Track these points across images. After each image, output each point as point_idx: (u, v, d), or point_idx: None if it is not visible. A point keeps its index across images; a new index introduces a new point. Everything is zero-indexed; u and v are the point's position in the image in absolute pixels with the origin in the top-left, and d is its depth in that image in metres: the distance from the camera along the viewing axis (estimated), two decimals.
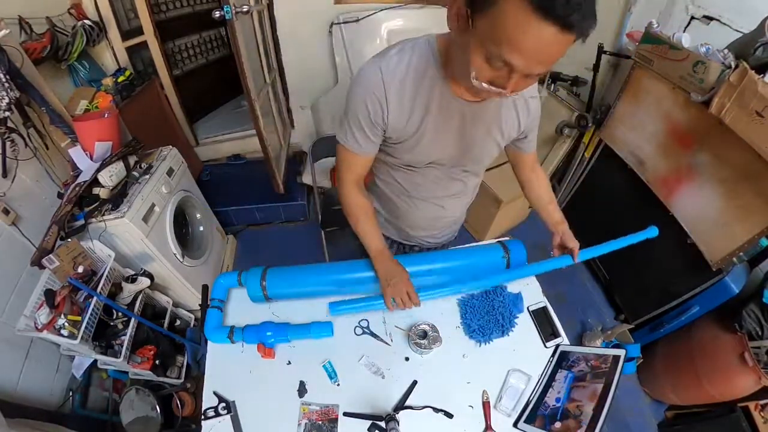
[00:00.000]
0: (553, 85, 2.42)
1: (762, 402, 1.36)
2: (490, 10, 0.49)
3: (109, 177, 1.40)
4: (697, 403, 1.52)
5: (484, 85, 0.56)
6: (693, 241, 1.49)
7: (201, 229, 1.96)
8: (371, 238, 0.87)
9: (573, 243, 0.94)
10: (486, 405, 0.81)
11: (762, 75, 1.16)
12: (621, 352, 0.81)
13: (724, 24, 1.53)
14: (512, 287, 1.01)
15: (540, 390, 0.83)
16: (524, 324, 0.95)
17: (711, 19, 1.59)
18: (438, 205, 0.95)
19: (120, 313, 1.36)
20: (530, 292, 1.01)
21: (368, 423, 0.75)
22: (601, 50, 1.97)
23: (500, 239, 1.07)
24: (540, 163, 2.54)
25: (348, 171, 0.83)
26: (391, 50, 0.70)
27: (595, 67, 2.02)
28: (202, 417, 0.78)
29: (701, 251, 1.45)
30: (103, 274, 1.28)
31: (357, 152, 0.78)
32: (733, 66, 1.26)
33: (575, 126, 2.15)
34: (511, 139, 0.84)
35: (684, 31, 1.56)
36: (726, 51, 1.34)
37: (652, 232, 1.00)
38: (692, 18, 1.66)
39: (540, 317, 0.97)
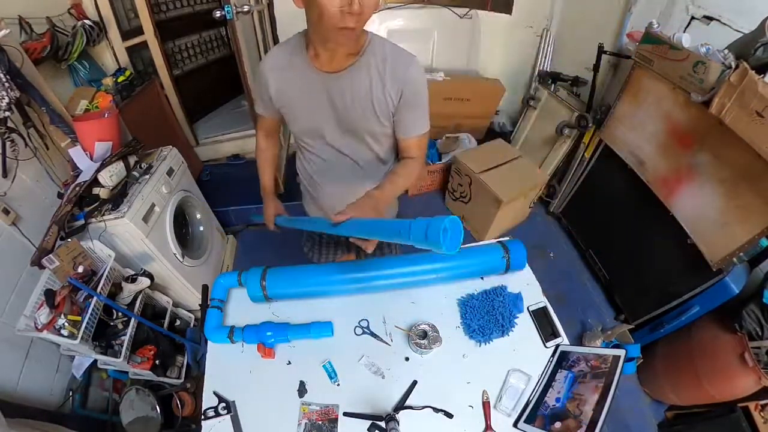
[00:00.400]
0: (553, 85, 2.42)
1: (762, 402, 1.36)
2: None
3: (109, 177, 1.40)
4: (697, 403, 1.52)
5: (332, 9, 0.66)
6: (693, 242, 1.49)
7: (201, 229, 1.96)
8: (261, 175, 1.13)
9: (349, 211, 0.77)
10: (486, 405, 0.81)
11: (762, 75, 1.16)
12: (621, 353, 0.81)
13: (725, 24, 1.53)
14: (512, 287, 1.01)
15: (540, 390, 0.83)
16: (524, 324, 0.95)
17: (711, 19, 1.58)
18: (341, 180, 0.99)
19: (120, 313, 1.36)
20: (530, 292, 1.01)
21: (368, 423, 0.75)
22: (601, 50, 1.97)
23: (500, 239, 1.06)
24: (540, 164, 2.52)
25: (258, 126, 1.08)
26: (282, 42, 0.89)
27: (595, 68, 2.02)
28: (202, 417, 0.78)
29: (701, 251, 1.45)
30: (103, 274, 1.28)
31: (259, 112, 1.01)
32: (733, 66, 1.25)
33: (575, 126, 2.15)
34: (387, 114, 0.86)
35: (684, 32, 1.55)
36: (726, 51, 1.34)
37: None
38: (692, 18, 1.66)
39: (540, 317, 0.97)
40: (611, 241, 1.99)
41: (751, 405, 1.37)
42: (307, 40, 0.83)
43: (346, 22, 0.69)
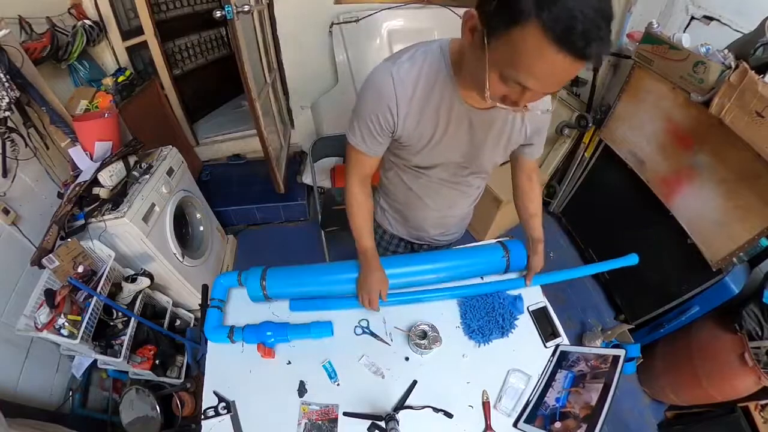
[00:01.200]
0: None
1: (762, 402, 1.36)
2: (507, 34, 0.49)
3: (109, 177, 1.40)
4: (697, 403, 1.52)
5: (498, 103, 0.58)
6: (693, 241, 1.49)
7: (201, 228, 1.96)
8: (361, 235, 0.90)
9: (537, 265, 0.95)
10: (486, 405, 0.81)
11: (762, 75, 1.16)
12: (621, 352, 0.81)
13: (724, 24, 1.53)
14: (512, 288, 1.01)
15: (540, 390, 0.83)
16: (524, 324, 0.95)
17: (711, 19, 1.58)
18: (444, 205, 0.96)
19: (120, 313, 1.36)
20: (530, 292, 1.01)
21: (368, 423, 0.75)
22: None
23: (500, 239, 1.06)
24: (540, 164, 2.53)
25: (355, 169, 0.85)
26: (404, 55, 0.70)
27: (595, 68, 2.02)
28: (202, 416, 0.78)
29: (701, 251, 1.45)
30: (103, 274, 1.28)
31: (365, 152, 0.79)
32: (733, 66, 1.25)
33: (575, 126, 2.15)
34: (517, 145, 0.86)
35: (684, 32, 1.56)
36: (726, 51, 1.34)
37: (632, 259, 1.01)
38: (692, 18, 1.66)
39: (540, 317, 0.97)
40: (611, 240, 1.99)
41: (751, 405, 1.37)
42: (457, 65, 0.67)
43: (506, 104, 0.59)
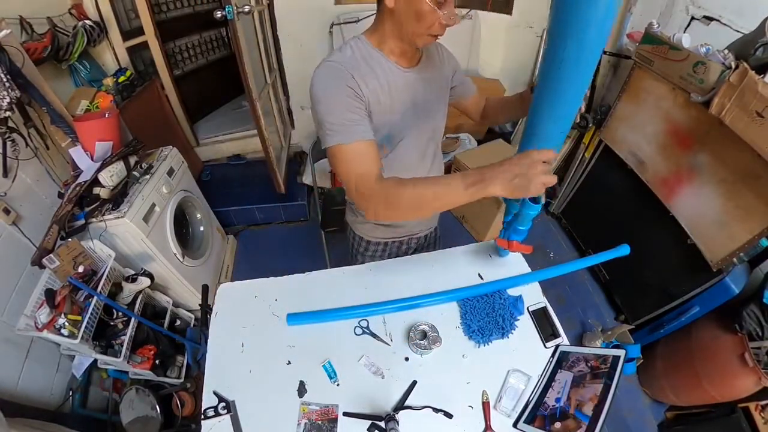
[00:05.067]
0: None
1: (762, 403, 1.36)
2: None
3: (110, 177, 1.40)
4: (697, 403, 1.52)
5: (444, 14, 0.70)
6: (693, 242, 1.49)
7: (201, 229, 1.96)
8: (449, 182, 0.67)
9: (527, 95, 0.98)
10: (486, 405, 0.81)
11: (762, 75, 1.16)
12: (621, 353, 0.81)
13: (725, 24, 1.53)
14: (513, 289, 1.01)
15: (540, 390, 0.83)
16: (524, 324, 0.95)
17: (711, 19, 1.59)
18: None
19: (120, 313, 1.36)
20: (530, 292, 1.01)
21: (368, 423, 0.75)
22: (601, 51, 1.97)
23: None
24: None
25: (367, 167, 0.72)
26: (332, 53, 0.81)
27: (596, 68, 2.02)
28: (202, 416, 0.78)
29: (701, 251, 1.45)
30: (103, 274, 1.28)
31: (365, 138, 0.72)
32: (733, 66, 1.26)
33: (575, 126, 2.15)
34: (448, 90, 0.96)
35: (684, 32, 1.56)
36: (726, 51, 1.34)
37: (624, 250, 1.01)
38: (692, 18, 1.66)
39: (540, 317, 0.97)
40: (611, 241, 1.97)
41: (752, 405, 1.37)
42: (379, 39, 0.81)
43: (441, 31, 0.74)
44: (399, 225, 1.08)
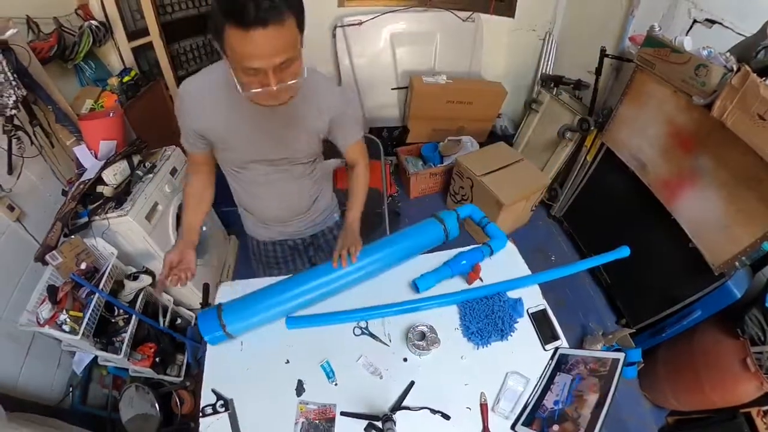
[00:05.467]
0: (555, 88, 2.42)
1: (764, 408, 1.34)
2: (223, 39, 0.63)
3: (113, 175, 1.42)
4: (698, 408, 1.51)
5: (254, 91, 0.69)
6: (695, 245, 1.48)
7: (203, 228, 1.97)
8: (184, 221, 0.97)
9: (348, 242, 0.94)
10: (484, 407, 0.81)
11: (764, 78, 1.16)
12: (620, 356, 0.80)
13: (727, 27, 1.53)
14: (512, 291, 1.01)
15: (538, 393, 0.83)
16: (523, 326, 0.95)
17: (713, 22, 1.58)
18: (279, 194, 1.00)
19: (121, 311, 1.36)
20: (530, 294, 1.01)
21: (365, 423, 0.75)
22: (603, 54, 1.97)
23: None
24: (542, 168, 2.51)
25: (189, 163, 1.01)
26: (205, 70, 0.85)
27: (598, 71, 2.02)
28: (200, 414, 0.78)
29: (703, 255, 1.44)
30: (105, 272, 1.29)
31: (188, 150, 0.95)
32: (735, 69, 1.25)
33: (577, 129, 2.15)
34: (322, 133, 0.93)
35: (686, 35, 1.56)
36: (728, 54, 1.34)
37: (624, 251, 1.02)
38: (694, 21, 1.66)
39: (539, 320, 0.96)
40: (612, 244, 1.97)
41: (753, 411, 1.35)
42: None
43: (269, 101, 0.72)
44: (280, 228, 1.10)
